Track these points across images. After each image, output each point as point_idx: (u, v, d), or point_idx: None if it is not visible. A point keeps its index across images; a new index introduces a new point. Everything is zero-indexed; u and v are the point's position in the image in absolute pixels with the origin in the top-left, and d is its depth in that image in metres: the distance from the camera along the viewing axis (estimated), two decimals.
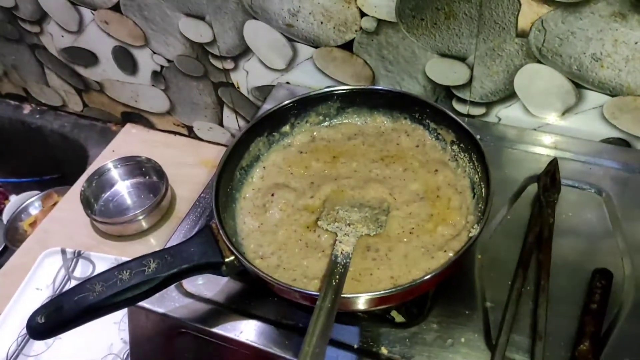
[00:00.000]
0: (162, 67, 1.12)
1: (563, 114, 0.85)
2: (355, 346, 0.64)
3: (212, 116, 1.19)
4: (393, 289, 0.59)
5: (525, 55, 0.80)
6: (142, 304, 0.67)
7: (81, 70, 1.23)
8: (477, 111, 0.90)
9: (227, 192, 0.72)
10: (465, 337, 0.63)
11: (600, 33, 0.74)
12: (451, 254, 0.64)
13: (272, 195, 0.74)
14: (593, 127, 0.84)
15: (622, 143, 0.84)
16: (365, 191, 0.73)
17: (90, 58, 1.18)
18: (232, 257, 0.63)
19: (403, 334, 0.64)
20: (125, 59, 1.14)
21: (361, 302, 0.60)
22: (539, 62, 0.80)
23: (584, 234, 0.72)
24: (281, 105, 0.78)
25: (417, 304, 0.68)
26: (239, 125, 1.17)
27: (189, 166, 1.19)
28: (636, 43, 0.73)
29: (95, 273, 0.85)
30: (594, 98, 0.81)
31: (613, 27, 0.73)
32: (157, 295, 0.64)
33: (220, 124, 1.20)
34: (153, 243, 1.08)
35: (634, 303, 0.65)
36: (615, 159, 0.80)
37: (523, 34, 0.78)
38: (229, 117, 1.16)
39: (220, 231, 0.63)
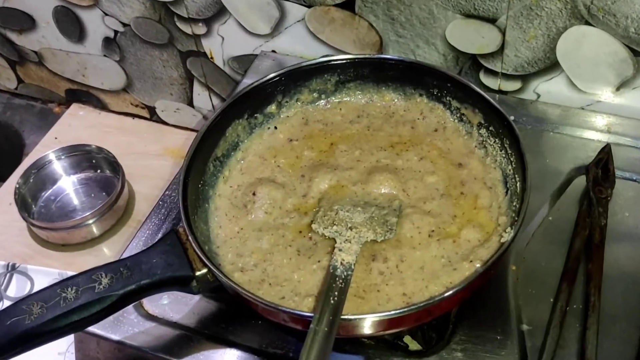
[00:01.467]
0: (116, 32, 1.12)
1: (618, 88, 0.85)
2: None
3: (180, 94, 1.18)
4: (406, 309, 0.59)
5: (570, 16, 0.80)
6: (93, 329, 0.68)
7: (14, 37, 1.23)
8: (511, 86, 0.90)
9: (197, 189, 0.72)
10: None
11: None
12: (478, 265, 0.64)
13: (255, 193, 0.74)
14: None
15: None
16: (371, 186, 0.73)
17: (25, 21, 1.18)
18: (205, 270, 0.63)
19: None
20: (69, 23, 1.14)
21: (366, 325, 0.60)
22: (588, 23, 0.80)
23: None
24: (265, 79, 0.78)
25: (436, 327, 0.68)
26: (213, 106, 1.17)
27: (151, 157, 1.19)
28: None
29: (33, 291, 0.84)
30: None
31: None
32: (111, 318, 0.65)
33: (190, 103, 1.19)
34: (106, 253, 1.08)
35: None
36: None
37: None
38: (200, 95, 1.16)
39: (190, 237, 0.63)
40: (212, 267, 0.62)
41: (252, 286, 0.65)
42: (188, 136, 1.21)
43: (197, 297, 0.71)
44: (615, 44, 0.81)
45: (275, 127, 0.80)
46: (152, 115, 1.26)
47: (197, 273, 0.63)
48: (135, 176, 1.15)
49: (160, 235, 0.76)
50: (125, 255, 0.68)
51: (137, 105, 1.26)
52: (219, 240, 0.70)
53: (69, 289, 0.60)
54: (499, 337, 0.66)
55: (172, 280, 0.63)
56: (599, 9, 0.78)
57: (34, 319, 0.58)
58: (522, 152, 0.68)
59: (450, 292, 0.59)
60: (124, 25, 1.10)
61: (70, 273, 0.62)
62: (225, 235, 0.71)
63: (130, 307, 0.70)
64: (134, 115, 1.28)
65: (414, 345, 0.67)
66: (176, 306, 0.71)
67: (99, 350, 0.71)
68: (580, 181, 0.78)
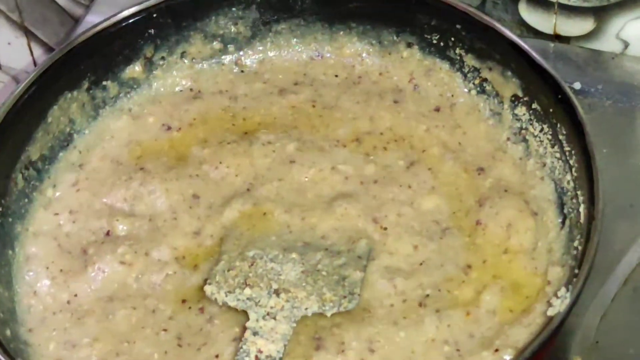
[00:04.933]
0: None
1: None
2: None
3: None
4: None
5: None
6: None
7: None
8: (576, 27, 0.91)
9: None
10: None
11: None
12: (509, 358, 0.64)
13: (101, 227, 0.74)
14: None
15: None
16: (317, 214, 0.73)
17: None
18: None
19: None
20: None
21: None
22: None
23: None
24: (123, 17, 0.78)
25: None
26: (35, 64, 1.16)
27: None
28: None
29: None
30: None
31: None
32: None
33: None
34: None
35: None
36: None
37: None
38: (11, 44, 1.15)
39: None
40: None
41: None
42: None
43: None
44: None
45: (140, 106, 0.80)
46: None
47: None
48: None
49: None
50: None
51: None
52: (33, 317, 0.69)
53: None
54: None
55: None
56: None
57: None
58: (590, 149, 0.68)
59: None
60: None
61: None
62: (45, 308, 0.70)
63: None
64: None
65: None
66: None
67: None
68: None
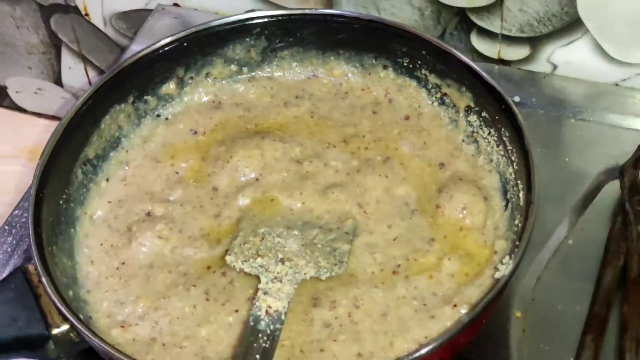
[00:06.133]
0: None
1: None
2: None
3: (42, 68, 1.17)
4: None
5: None
6: None
7: None
8: (516, 53, 0.91)
9: (59, 208, 0.71)
10: None
11: None
12: (465, 311, 0.64)
13: (144, 210, 0.73)
14: None
15: None
16: (314, 200, 0.73)
17: None
18: (66, 327, 0.62)
19: None
20: None
21: None
22: None
23: None
24: (160, 45, 0.78)
25: None
26: (90, 84, 1.15)
27: (0, 159, 1.18)
28: None
29: None
30: None
31: None
32: None
33: (57, 81, 1.18)
34: None
35: None
36: None
37: None
38: (72, 68, 1.14)
39: (44, 279, 0.62)
40: (76, 323, 0.60)
41: (137, 349, 0.64)
42: (54, 129, 1.19)
43: None
44: None
45: (175, 116, 0.80)
46: (3, 99, 1.24)
47: (55, 331, 0.62)
48: None
49: (4, 277, 0.74)
50: None
51: None
52: (90, 281, 0.69)
53: None
54: None
55: (16, 342, 0.61)
56: None
57: None
58: (527, 148, 0.68)
59: (425, 350, 0.59)
60: None
61: None
62: (100, 273, 0.70)
63: None
64: None
65: None
66: None
67: None
68: (613, 188, 0.79)
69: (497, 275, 0.64)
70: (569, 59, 0.90)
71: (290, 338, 0.64)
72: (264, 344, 0.61)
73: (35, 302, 0.63)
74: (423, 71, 0.78)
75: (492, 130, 0.74)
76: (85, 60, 1.13)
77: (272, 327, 0.62)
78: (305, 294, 0.67)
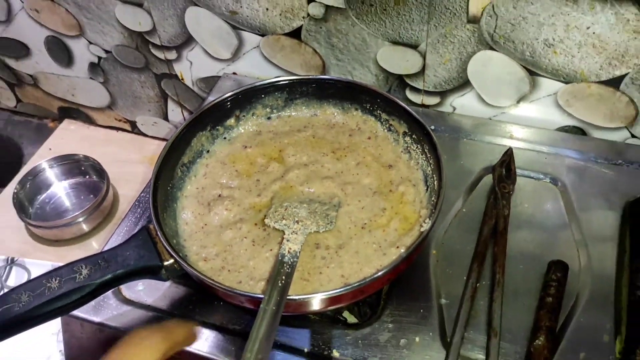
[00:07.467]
0: (99, 58, 1.09)
1: (518, 102, 0.86)
2: (306, 350, 0.63)
3: (156, 110, 1.16)
4: (342, 289, 0.58)
5: (477, 42, 0.80)
6: (77, 313, 0.66)
7: (12, 62, 1.19)
8: (432, 101, 0.90)
9: (167, 191, 0.70)
10: (420, 336, 0.63)
11: (552, 18, 0.75)
12: (403, 250, 0.64)
13: (217, 193, 0.73)
14: (548, 115, 0.85)
15: (578, 131, 0.85)
16: (315, 186, 0.72)
17: (21, 49, 1.14)
18: (172, 260, 0.62)
19: (355, 335, 0.64)
20: (59, 50, 1.11)
21: (309, 304, 0.59)
22: (492, 48, 0.80)
23: (539, 226, 0.73)
24: (224, 97, 0.77)
25: (370, 303, 0.68)
26: (184, 119, 1.14)
27: (133, 164, 1.16)
28: (588, 28, 0.74)
29: None
30: (548, 85, 0.82)
31: (565, 12, 0.74)
32: (92, 303, 0.63)
33: (165, 118, 1.17)
34: (95, 247, 1.05)
35: (590, 295, 0.66)
36: (571, 148, 0.81)
37: (474, 20, 0.78)
38: (174, 110, 1.14)
39: (158, 232, 0.62)
40: (177, 258, 0.60)
41: (213, 273, 0.64)
42: (164, 146, 1.19)
43: (167, 284, 0.69)
44: (514, 66, 0.81)
45: (234, 138, 0.79)
46: (134, 129, 1.24)
47: (165, 263, 0.62)
48: (119, 181, 1.12)
49: (136, 231, 0.74)
50: (105, 249, 0.66)
51: (120, 120, 1.23)
52: (186, 234, 0.69)
53: (53, 280, 0.58)
54: (422, 310, 0.66)
55: (143, 270, 0.61)
56: (500, 36, 0.79)
57: (22, 306, 0.56)
58: (439, 156, 0.68)
59: (380, 273, 0.59)
60: (106, 52, 1.07)
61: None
62: (191, 230, 0.69)
63: (109, 293, 0.69)
64: (117, 129, 1.25)
65: (351, 319, 0.67)
66: (150, 291, 0.69)
67: (83, 331, 0.69)
68: (488, 179, 0.79)
69: (422, 229, 0.64)
70: (463, 104, 0.89)
71: (302, 266, 0.64)
72: (287, 270, 0.61)
73: (154, 246, 0.63)
74: (378, 111, 0.78)
75: (418, 146, 0.73)
76: (181, 106, 1.13)
77: (291, 260, 0.62)
78: (311, 241, 0.66)
